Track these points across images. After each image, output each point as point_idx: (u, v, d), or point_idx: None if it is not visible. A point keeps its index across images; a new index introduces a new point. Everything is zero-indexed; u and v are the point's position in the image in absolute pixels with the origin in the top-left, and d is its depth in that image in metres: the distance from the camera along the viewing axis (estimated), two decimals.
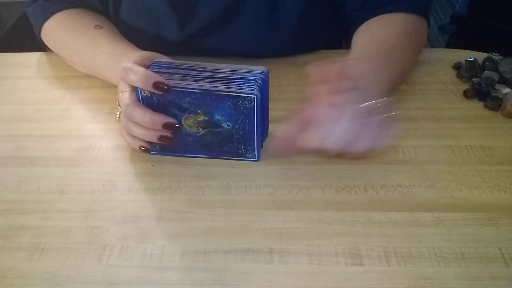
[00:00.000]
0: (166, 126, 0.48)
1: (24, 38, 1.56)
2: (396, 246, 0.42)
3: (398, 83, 0.61)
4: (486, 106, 0.58)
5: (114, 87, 0.56)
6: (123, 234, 0.45)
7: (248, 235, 0.44)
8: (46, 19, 0.67)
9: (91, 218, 0.46)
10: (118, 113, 0.53)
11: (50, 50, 0.71)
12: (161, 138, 0.49)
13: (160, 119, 0.48)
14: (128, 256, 0.43)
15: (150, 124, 0.48)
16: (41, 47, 0.72)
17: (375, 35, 0.61)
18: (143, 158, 0.53)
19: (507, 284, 0.39)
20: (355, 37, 0.63)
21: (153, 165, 0.52)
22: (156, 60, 0.50)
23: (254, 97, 0.46)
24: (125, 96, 0.49)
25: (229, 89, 0.46)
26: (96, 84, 0.65)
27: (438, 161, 0.51)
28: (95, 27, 0.64)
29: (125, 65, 0.48)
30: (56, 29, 0.66)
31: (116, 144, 0.55)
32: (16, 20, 1.55)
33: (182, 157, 0.52)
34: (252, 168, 0.51)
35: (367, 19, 0.63)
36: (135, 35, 0.65)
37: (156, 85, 0.46)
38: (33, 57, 0.74)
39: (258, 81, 0.47)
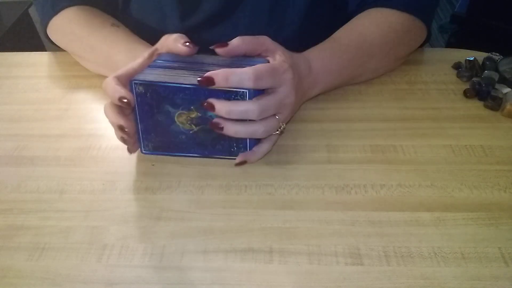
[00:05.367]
0: (121, 100, 0.47)
1: (24, 38, 1.56)
2: (396, 246, 0.42)
3: (361, 79, 0.62)
4: (486, 106, 0.58)
5: None
6: (123, 234, 0.45)
7: (248, 235, 0.44)
8: (55, 13, 0.66)
9: (91, 218, 0.46)
10: None
11: (51, 49, 0.71)
12: (121, 138, 0.50)
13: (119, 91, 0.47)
14: (128, 256, 0.43)
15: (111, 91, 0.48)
16: (41, 47, 0.72)
17: (355, 28, 0.61)
18: (143, 158, 0.53)
19: (507, 284, 0.39)
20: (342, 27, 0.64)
21: (153, 165, 0.52)
22: (162, 54, 0.52)
23: (246, 92, 0.45)
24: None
25: None
26: (96, 84, 0.65)
27: (438, 161, 0.51)
28: (112, 25, 0.64)
29: (105, 81, 0.48)
30: (67, 23, 0.66)
31: (116, 144, 0.54)
32: (16, 20, 1.55)
33: (182, 157, 0.52)
34: (252, 168, 0.51)
35: None
36: (140, 30, 0.65)
37: (120, 99, 0.46)
38: (33, 57, 0.74)
39: None
